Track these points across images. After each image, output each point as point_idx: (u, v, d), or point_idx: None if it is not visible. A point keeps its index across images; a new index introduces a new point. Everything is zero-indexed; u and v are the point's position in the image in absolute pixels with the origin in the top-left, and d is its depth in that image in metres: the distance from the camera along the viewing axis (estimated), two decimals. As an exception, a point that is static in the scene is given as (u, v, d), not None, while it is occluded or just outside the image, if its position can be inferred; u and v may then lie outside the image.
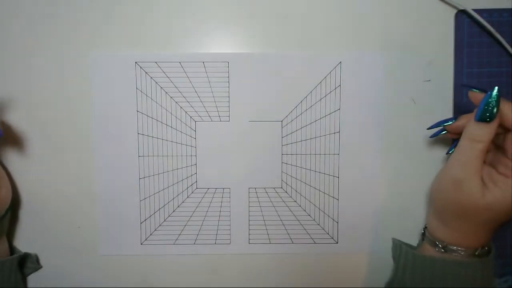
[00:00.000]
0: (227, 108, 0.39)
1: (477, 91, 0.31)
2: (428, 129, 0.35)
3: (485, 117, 0.29)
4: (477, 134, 0.30)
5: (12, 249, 0.39)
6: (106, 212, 0.40)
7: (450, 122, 0.33)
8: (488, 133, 0.30)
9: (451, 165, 0.32)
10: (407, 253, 0.36)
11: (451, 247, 0.33)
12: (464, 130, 0.31)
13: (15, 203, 0.39)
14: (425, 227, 0.36)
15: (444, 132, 0.34)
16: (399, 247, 0.37)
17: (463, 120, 0.33)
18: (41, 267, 0.40)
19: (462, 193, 0.31)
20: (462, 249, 0.33)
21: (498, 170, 0.31)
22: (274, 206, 0.40)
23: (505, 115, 0.30)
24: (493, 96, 0.29)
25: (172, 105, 0.39)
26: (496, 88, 0.29)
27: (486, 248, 0.34)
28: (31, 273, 0.40)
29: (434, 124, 0.35)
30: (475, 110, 0.30)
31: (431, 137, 0.35)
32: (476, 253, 0.33)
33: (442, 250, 0.34)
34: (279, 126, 0.39)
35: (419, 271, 0.35)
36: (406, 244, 0.38)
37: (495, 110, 0.29)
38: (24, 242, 0.40)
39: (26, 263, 0.39)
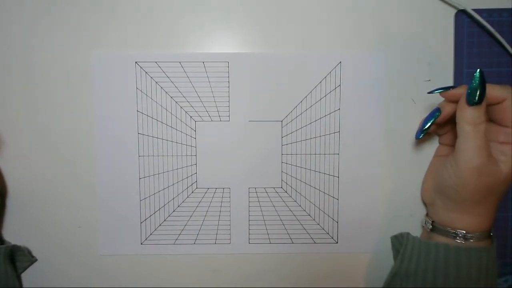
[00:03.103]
0: (227, 108, 0.39)
1: (444, 90, 0.33)
2: (423, 130, 0.35)
3: (476, 100, 0.31)
4: (476, 117, 0.31)
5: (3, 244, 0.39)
6: (106, 212, 0.40)
7: (438, 113, 0.34)
8: (484, 112, 0.31)
9: (464, 156, 0.32)
10: (418, 242, 0.36)
11: (470, 234, 0.34)
12: (460, 118, 0.32)
13: (3, 198, 0.39)
14: (432, 221, 0.36)
15: (427, 127, 0.35)
16: (406, 237, 0.38)
17: (448, 107, 0.34)
18: (36, 259, 0.40)
19: (486, 176, 0.32)
20: (478, 233, 0.34)
21: (498, 140, 0.33)
22: (274, 206, 0.40)
23: (489, 93, 0.31)
24: (477, 78, 0.31)
25: (172, 105, 0.39)
26: (478, 70, 0.31)
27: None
28: (27, 266, 0.40)
29: (423, 123, 0.35)
30: (462, 97, 0.32)
31: (418, 137, 0.35)
32: (491, 234, 0.35)
33: (463, 240, 0.34)
34: (279, 126, 0.39)
35: (431, 260, 0.35)
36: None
37: (483, 91, 0.31)
38: (23, 241, 0.40)
39: (16, 256, 0.39)
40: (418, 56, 0.38)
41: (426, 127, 0.35)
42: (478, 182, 0.32)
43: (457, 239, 0.34)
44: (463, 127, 0.32)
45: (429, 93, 0.35)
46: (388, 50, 0.38)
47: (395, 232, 0.40)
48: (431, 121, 0.34)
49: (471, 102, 0.31)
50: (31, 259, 0.40)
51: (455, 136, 0.33)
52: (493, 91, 0.32)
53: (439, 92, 0.34)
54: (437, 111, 0.34)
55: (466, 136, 0.32)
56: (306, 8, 0.38)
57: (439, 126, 0.37)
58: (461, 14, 0.38)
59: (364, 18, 0.38)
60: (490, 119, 0.34)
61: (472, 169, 0.32)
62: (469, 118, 0.31)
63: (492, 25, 0.37)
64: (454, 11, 0.38)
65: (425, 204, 0.39)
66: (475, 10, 0.37)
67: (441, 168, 0.35)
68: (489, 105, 0.33)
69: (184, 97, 0.39)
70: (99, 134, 0.39)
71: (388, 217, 0.40)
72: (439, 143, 0.39)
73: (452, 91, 0.33)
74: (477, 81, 0.31)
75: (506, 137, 0.32)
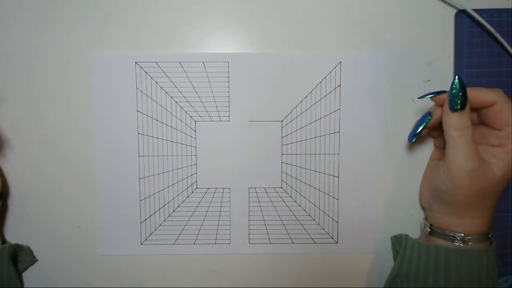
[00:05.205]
0: (227, 108, 0.39)
1: (434, 94, 0.34)
2: (415, 134, 0.35)
3: (458, 106, 0.31)
4: (462, 122, 0.31)
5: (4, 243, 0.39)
6: (106, 212, 0.40)
7: (429, 117, 0.34)
8: (469, 117, 0.32)
9: (455, 162, 0.32)
10: (418, 245, 0.36)
11: (468, 237, 0.34)
12: (446, 124, 0.32)
13: (5, 198, 0.39)
14: (431, 225, 0.36)
15: (418, 132, 0.35)
16: (404, 239, 0.38)
17: (439, 112, 0.34)
18: (37, 260, 0.40)
19: (478, 180, 0.32)
20: (476, 236, 0.34)
21: (490, 143, 0.33)
22: (274, 206, 0.40)
23: (473, 98, 0.32)
24: (456, 85, 0.31)
25: (172, 105, 0.39)
26: (456, 77, 0.31)
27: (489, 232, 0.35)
28: (27, 267, 0.40)
29: (415, 127, 0.35)
30: (446, 103, 0.32)
31: (410, 140, 0.35)
32: (490, 235, 0.35)
33: (461, 243, 0.34)
34: (279, 126, 0.39)
35: (432, 262, 0.35)
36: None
37: (465, 97, 0.31)
38: (23, 241, 0.40)
39: (18, 256, 0.39)
40: (418, 56, 0.38)
41: (417, 131, 0.35)
42: (471, 186, 0.32)
43: (456, 242, 0.34)
44: (450, 133, 0.32)
45: (419, 98, 0.35)
46: (388, 50, 0.38)
47: (395, 232, 0.40)
48: (423, 125, 0.35)
49: (453, 108, 0.31)
50: (32, 259, 0.40)
51: None
52: (483, 95, 0.32)
53: (430, 97, 0.34)
54: (428, 115, 0.35)
55: (454, 142, 0.32)
56: (306, 8, 0.38)
57: (431, 129, 0.37)
58: (461, 14, 0.38)
59: (364, 18, 0.38)
60: (482, 122, 0.34)
61: (463, 174, 0.32)
62: (454, 124, 0.32)
63: (492, 25, 0.37)
64: (454, 11, 0.38)
65: (423, 208, 0.39)
66: (475, 10, 0.37)
67: (435, 173, 0.35)
68: (479, 109, 0.33)
69: (184, 97, 0.39)
70: (99, 134, 0.39)
71: (388, 217, 0.40)
72: (434, 146, 0.39)
73: (441, 96, 0.33)
74: (457, 88, 0.31)
75: (497, 140, 0.33)
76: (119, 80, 0.39)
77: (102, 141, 0.39)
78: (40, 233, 0.40)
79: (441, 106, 0.33)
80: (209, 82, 0.39)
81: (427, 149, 0.39)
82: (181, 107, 0.39)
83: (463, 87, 0.31)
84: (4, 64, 0.38)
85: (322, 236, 0.40)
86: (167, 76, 0.39)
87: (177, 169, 0.40)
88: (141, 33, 0.38)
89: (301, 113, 0.39)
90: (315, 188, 0.40)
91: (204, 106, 0.39)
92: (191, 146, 0.40)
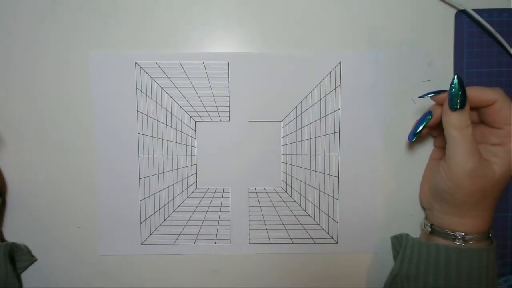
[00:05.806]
0: (227, 108, 0.39)
1: (434, 94, 0.34)
2: (415, 133, 0.35)
3: (457, 105, 0.31)
4: (462, 121, 0.31)
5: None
6: (106, 212, 0.40)
7: (429, 117, 0.34)
8: (468, 116, 0.32)
9: (455, 161, 0.32)
10: (418, 244, 0.36)
11: (469, 236, 0.34)
12: (445, 123, 0.32)
13: (4, 198, 0.39)
14: (431, 224, 0.36)
15: (418, 131, 0.35)
16: (405, 238, 0.38)
17: (439, 111, 0.34)
18: (36, 259, 0.40)
19: (479, 179, 0.32)
20: (477, 235, 0.34)
21: (490, 142, 0.33)
22: (274, 206, 0.40)
23: (472, 97, 0.32)
24: (455, 84, 0.31)
25: (172, 105, 0.39)
26: (455, 76, 0.32)
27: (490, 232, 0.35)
28: (26, 266, 0.40)
29: (415, 126, 0.35)
30: (445, 103, 0.32)
31: (410, 139, 0.35)
32: (490, 234, 0.35)
33: (462, 242, 0.34)
34: (279, 126, 0.39)
35: (432, 261, 0.35)
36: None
37: (464, 96, 0.31)
38: (23, 241, 0.40)
39: (16, 255, 0.39)
40: (418, 56, 0.38)
41: (417, 130, 0.35)
42: (472, 185, 0.32)
43: (456, 241, 0.34)
44: (450, 132, 0.32)
45: (420, 97, 0.35)
46: (388, 50, 0.38)
47: (395, 232, 0.40)
48: (423, 124, 0.35)
49: (453, 107, 0.31)
50: (31, 259, 0.40)
51: None
52: (482, 94, 0.32)
53: (430, 96, 0.34)
54: (428, 114, 0.35)
55: (454, 141, 0.32)
56: (306, 8, 0.38)
57: (432, 129, 0.37)
58: (461, 14, 0.38)
59: (364, 18, 0.38)
60: (482, 121, 0.34)
61: (464, 173, 0.32)
62: (454, 123, 0.32)
63: (492, 25, 0.37)
64: (454, 11, 0.38)
65: (423, 208, 0.39)
66: (475, 10, 0.37)
67: (435, 173, 0.35)
68: (479, 108, 0.33)
69: (184, 97, 0.39)
70: (99, 134, 0.39)
71: (388, 217, 0.40)
72: (434, 145, 0.39)
73: (442, 95, 0.33)
74: (456, 87, 0.31)
75: (497, 139, 0.33)
76: (119, 80, 0.39)
77: (102, 141, 0.39)
78: (40, 233, 0.40)
79: (441, 105, 0.33)
80: (209, 82, 0.39)
81: (427, 149, 0.39)
82: (181, 107, 0.39)
83: (462, 86, 0.31)
84: (4, 64, 0.38)
85: (322, 236, 0.40)
86: (167, 76, 0.39)
87: (177, 169, 0.40)
88: (141, 33, 0.38)
89: (301, 113, 0.39)
90: (315, 188, 0.40)
91: (204, 106, 0.39)
92: (191, 146, 0.40)
